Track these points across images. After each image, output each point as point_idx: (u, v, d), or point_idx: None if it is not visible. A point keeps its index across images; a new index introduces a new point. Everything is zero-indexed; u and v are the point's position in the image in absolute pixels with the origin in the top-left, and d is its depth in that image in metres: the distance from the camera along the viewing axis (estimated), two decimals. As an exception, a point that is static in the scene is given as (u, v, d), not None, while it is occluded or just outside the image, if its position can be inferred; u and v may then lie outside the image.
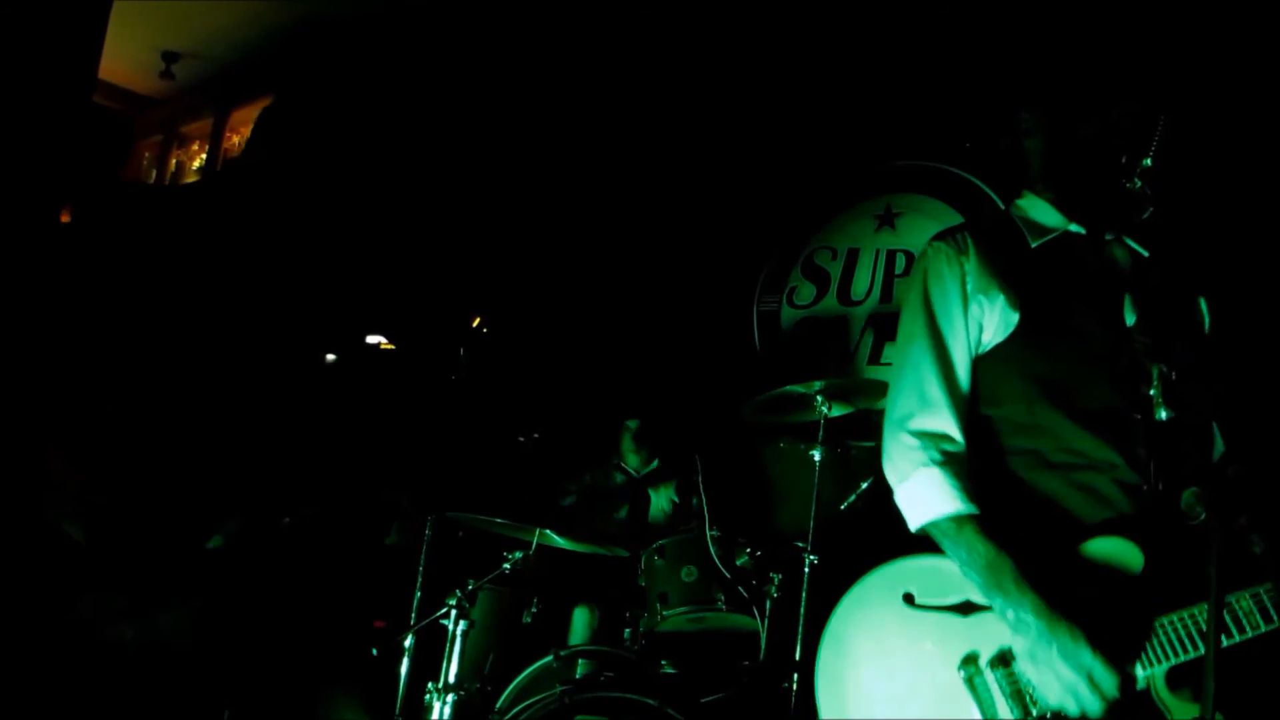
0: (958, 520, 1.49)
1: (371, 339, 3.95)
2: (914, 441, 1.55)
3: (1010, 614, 1.41)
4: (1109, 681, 1.37)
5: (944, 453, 1.54)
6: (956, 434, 1.56)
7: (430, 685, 2.68)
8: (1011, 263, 1.62)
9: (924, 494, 1.52)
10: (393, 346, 3.88)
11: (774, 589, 2.77)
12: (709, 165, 4.20)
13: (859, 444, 3.60)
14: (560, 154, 4.52)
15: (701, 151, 4.21)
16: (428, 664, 2.72)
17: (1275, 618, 1.40)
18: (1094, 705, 1.36)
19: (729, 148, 4.15)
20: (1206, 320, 1.67)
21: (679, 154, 4.25)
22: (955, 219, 3.70)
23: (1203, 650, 1.40)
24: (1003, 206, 1.78)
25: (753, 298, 4.12)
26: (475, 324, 3.83)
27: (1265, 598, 1.41)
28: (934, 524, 1.51)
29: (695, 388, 3.94)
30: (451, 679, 2.68)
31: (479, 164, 4.71)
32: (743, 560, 2.86)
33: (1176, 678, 1.42)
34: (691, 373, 4.02)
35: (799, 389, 2.94)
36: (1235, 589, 1.41)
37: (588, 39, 4.36)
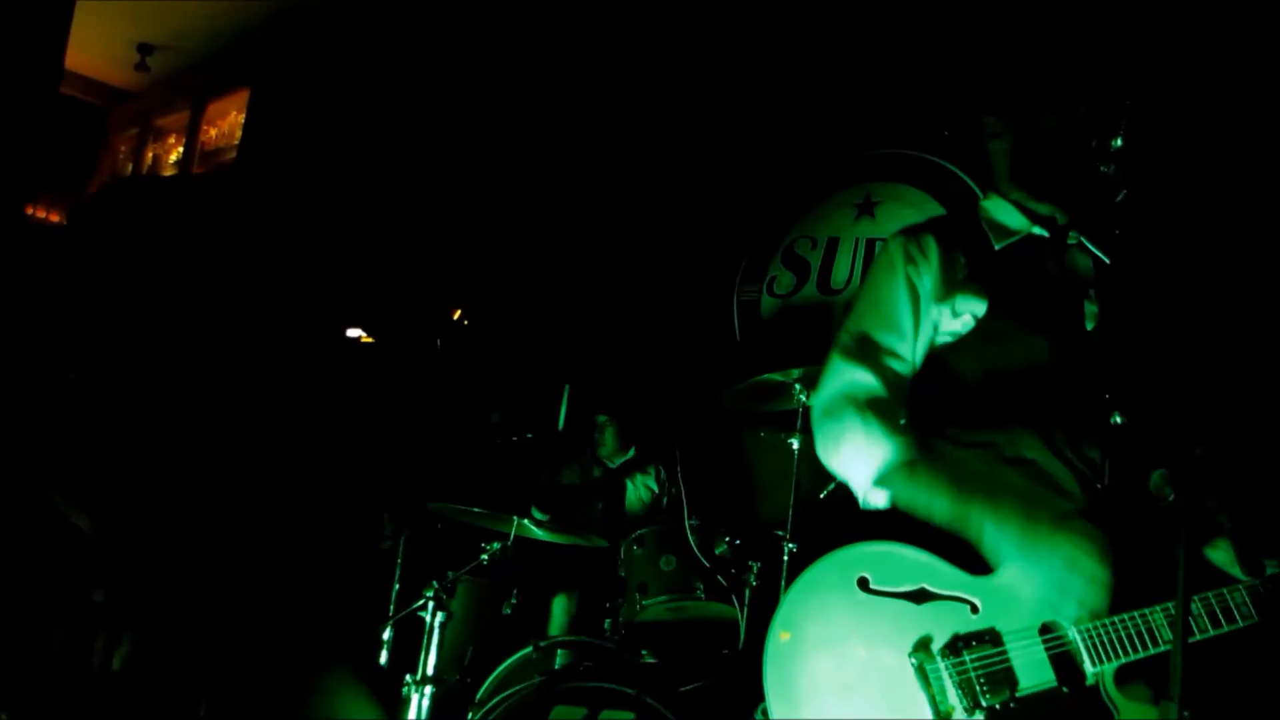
0: (910, 463, 1.51)
1: (351, 332, 3.93)
2: (855, 409, 1.55)
3: (988, 519, 1.43)
4: (1090, 562, 1.40)
5: (885, 419, 1.54)
6: (901, 412, 1.57)
7: (408, 677, 2.67)
8: (974, 263, 1.61)
9: (870, 452, 1.53)
10: (371, 340, 3.85)
11: (753, 577, 2.77)
12: (689, 155, 4.18)
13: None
14: (540, 145, 4.50)
15: (682, 141, 4.19)
16: (407, 656, 2.71)
17: (1223, 621, 1.40)
18: (1085, 588, 1.40)
19: (709, 137, 4.14)
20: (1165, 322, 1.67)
21: (660, 144, 4.24)
22: (935, 206, 3.71)
23: (1153, 650, 1.40)
24: (980, 194, 1.77)
25: (733, 287, 4.11)
26: (455, 316, 3.82)
27: (1213, 601, 1.42)
28: (889, 472, 1.52)
29: (675, 376, 3.93)
30: (430, 671, 2.67)
31: (459, 155, 4.68)
32: (721, 549, 2.85)
33: (1125, 676, 1.42)
34: (671, 362, 4.01)
35: (777, 377, 2.93)
36: (1195, 590, 1.42)
37: (567, 30, 4.33)
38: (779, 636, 1.47)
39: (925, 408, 1.60)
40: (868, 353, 1.60)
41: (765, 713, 1.45)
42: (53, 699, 1.41)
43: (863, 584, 1.45)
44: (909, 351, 1.61)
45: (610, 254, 4.30)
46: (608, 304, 4.25)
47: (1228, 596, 1.44)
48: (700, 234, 4.17)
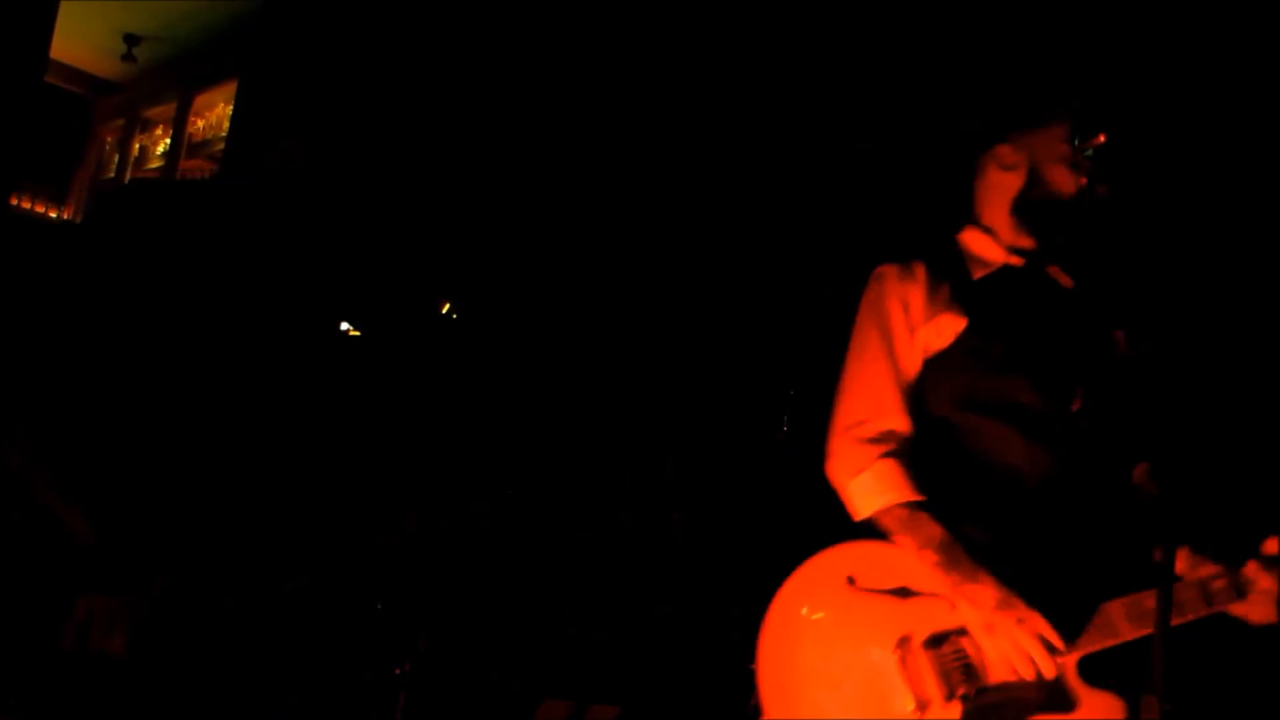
0: (911, 506, 1.59)
1: (341, 325, 3.91)
2: (866, 440, 1.66)
3: (968, 589, 1.51)
4: (1058, 643, 1.47)
5: (898, 445, 1.64)
6: (906, 432, 1.67)
7: (395, 671, 2.67)
8: (955, 289, 1.73)
9: (878, 484, 1.62)
10: (358, 333, 3.84)
11: (740, 571, 2.78)
12: (674, 146, 4.19)
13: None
14: (533, 137, 4.50)
15: (667, 133, 4.20)
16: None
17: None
18: (1048, 666, 1.46)
19: (693, 130, 4.15)
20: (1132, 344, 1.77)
21: (646, 136, 4.24)
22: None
23: (1113, 642, 1.49)
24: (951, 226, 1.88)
25: (723, 288, 4.12)
26: (445, 309, 3.81)
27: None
28: (888, 510, 1.60)
29: (662, 371, 3.94)
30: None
31: (450, 146, 4.67)
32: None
33: (1088, 668, 1.51)
34: (658, 356, 4.02)
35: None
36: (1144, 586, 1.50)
37: (558, 24, 4.33)
38: (771, 628, 1.58)
39: (915, 421, 1.70)
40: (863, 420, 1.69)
41: (757, 703, 1.55)
42: (65, 697, 1.42)
43: (851, 581, 1.56)
44: (907, 368, 1.71)
45: (600, 245, 4.31)
46: (595, 294, 4.25)
47: (1179, 591, 1.52)
48: (690, 225, 4.17)
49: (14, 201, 5.30)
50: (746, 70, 4.02)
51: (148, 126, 6.05)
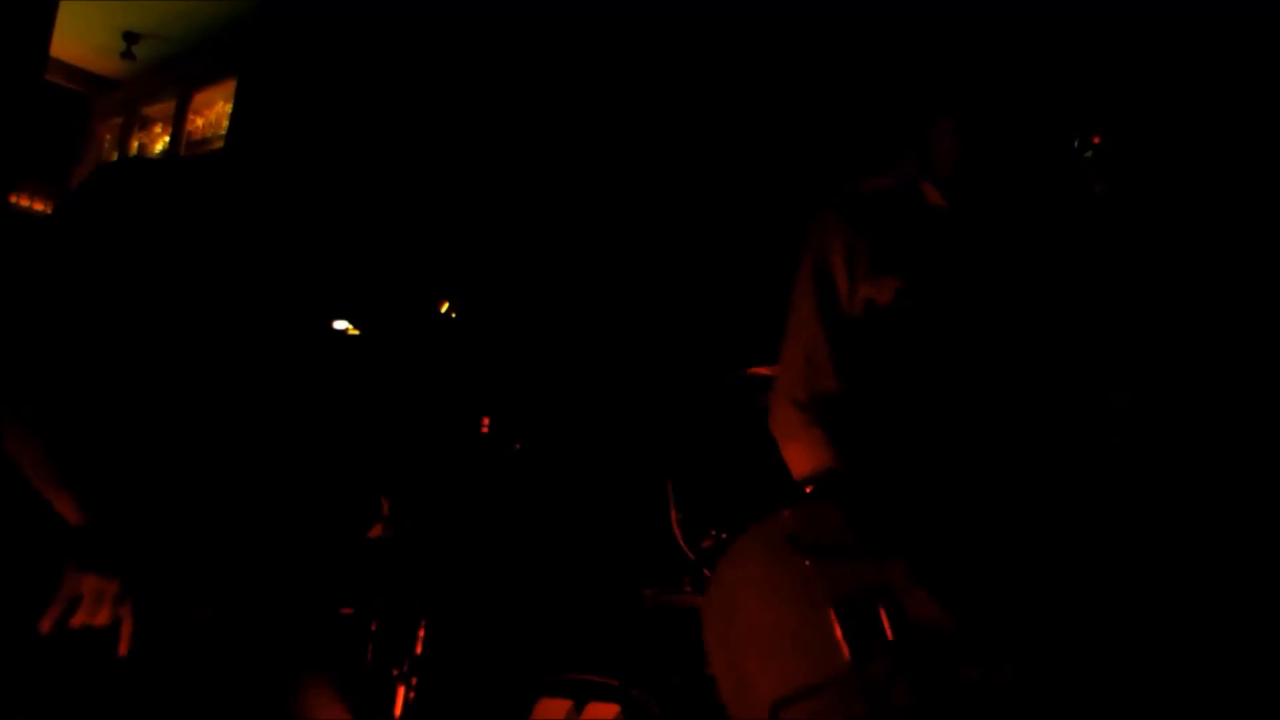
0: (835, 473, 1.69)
1: (338, 324, 3.91)
2: (799, 405, 1.75)
3: (895, 548, 1.56)
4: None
5: (830, 411, 1.73)
6: (838, 394, 1.74)
7: (395, 670, 2.67)
8: (899, 236, 1.77)
9: (809, 452, 1.73)
10: (357, 332, 3.84)
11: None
12: (672, 145, 4.19)
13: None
14: (533, 134, 4.49)
15: (665, 133, 4.20)
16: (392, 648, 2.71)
17: None
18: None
19: (689, 131, 4.15)
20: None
21: (644, 135, 4.24)
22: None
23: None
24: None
25: (721, 279, 4.12)
26: (443, 309, 3.81)
27: None
28: (815, 476, 1.72)
29: (660, 368, 3.94)
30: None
31: (450, 144, 4.67)
32: (708, 542, 2.87)
33: None
34: (657, 353, 4.02)
35: (765, 371, 2.94)
36: None
37: (557, 24, 4.33)
38: (716, 592, 1.67)
39: (856, 379, 1.77)
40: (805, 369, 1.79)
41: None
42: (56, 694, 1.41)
43: (791, 542, 1.62)
44: (839, 324, 1.77)
45: (598, 242, 4.31)
46: (591, 289, 4.26)
47: None
48: (689, 225, 4.17)
49: (13, 200, 5.30)
50: (732, 74, 4.03)
51: (146, 124, 6.04)
